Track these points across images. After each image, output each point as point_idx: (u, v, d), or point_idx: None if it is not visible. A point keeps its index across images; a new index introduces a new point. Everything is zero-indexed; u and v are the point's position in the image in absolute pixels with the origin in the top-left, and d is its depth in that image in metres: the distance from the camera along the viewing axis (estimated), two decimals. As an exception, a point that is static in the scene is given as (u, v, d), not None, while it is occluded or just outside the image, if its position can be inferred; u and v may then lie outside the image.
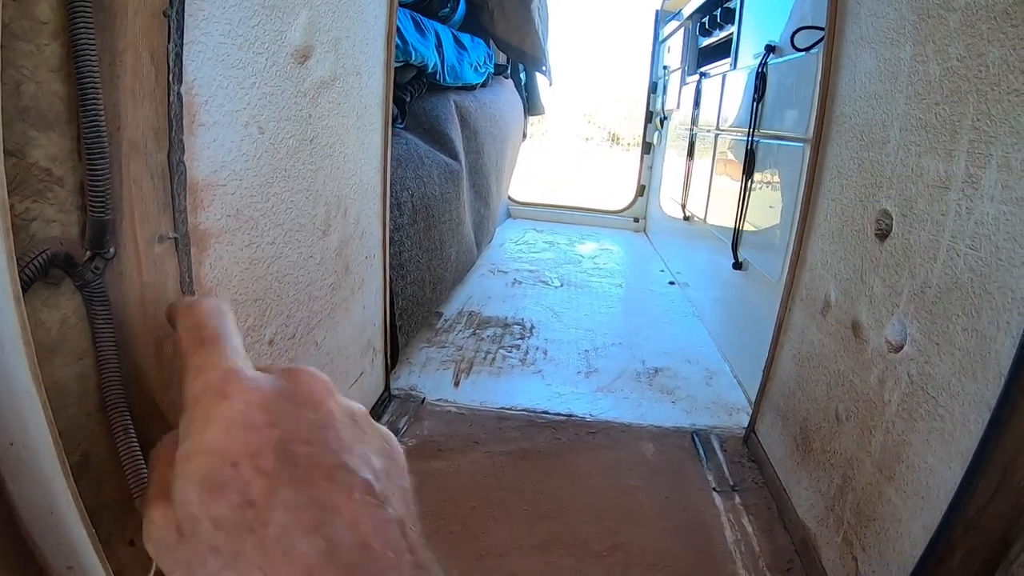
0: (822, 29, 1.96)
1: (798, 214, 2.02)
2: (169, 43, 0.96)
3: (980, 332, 1.14)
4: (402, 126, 3.16)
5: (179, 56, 0.99)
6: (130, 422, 0.99)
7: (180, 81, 1.00)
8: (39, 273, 0.80)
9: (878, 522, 1.40)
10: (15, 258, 0.75)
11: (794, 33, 2.36)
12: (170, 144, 0.99)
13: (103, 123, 0.87)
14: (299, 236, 1.48)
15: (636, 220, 6.40)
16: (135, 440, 1.00)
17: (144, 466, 1.01)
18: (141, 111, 0.94)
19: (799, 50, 2.33)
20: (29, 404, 0.80)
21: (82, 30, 0.83)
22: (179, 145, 1.01)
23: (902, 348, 1.38)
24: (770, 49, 2.75)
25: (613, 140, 26.23)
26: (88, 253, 0.89)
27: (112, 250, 0.93)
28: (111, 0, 0.88)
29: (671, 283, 4.47)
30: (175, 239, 1.03)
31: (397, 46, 2.63)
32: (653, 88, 6.16)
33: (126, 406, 0.99)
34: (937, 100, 1.33)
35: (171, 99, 0.98)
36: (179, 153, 1.02)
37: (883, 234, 1.50)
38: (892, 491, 1.36)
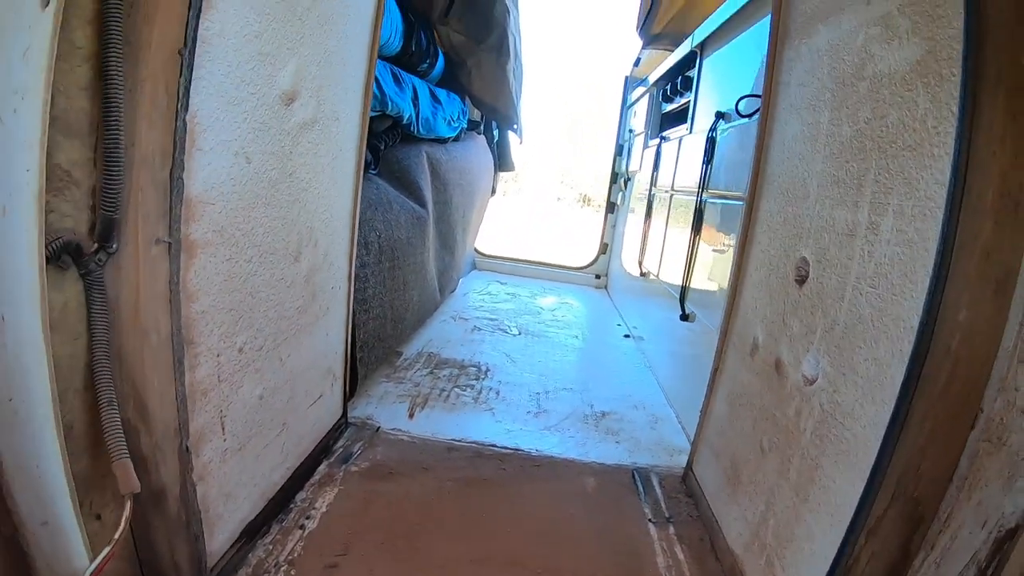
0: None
1: (734, 263, 2.19)
2: (181, 77, 1.13)
3: (879, 360, 1.30)
4: (375, 172, 3.31)
5: (188, 89, 1.17)
6: (115, 397, 1.13)
7: (187, 110, 1.17)
8: (53, 257, 0.95)
9: (796, 542, 1.54)
10: (43, 243, 0.90)
11: (738, 101, 2.57)
12: (173, 163, 1.16)
13: (121, 138, 1.04)
14: (273, 259, 1.62)
15: (598, 277, 6.59)
16: (117, 415, 1.14)
17: (124, 440, 1.15)
18: (152, 133, 1.11)
19: (742, 116, 2.54)
20: (36, 367, 0.93)
21: (113, 59, 1.02)
22: (180, 164, 1.18)
23: (815, 381, 1.54)
24: (720, 116, 2.97)
25: (584, 201, 26.72)
26: (95, 246, 1.05)
27: (115, 246, 1.09)
28: (137, 35, 1.06)
29: (626, 336, 4.64)
30: (169, 244, 1.19)
31: (375, 96, 2.80)
32: (619, 150, 6.40)
33: (112, 384, 1.13)
34: (847, 158, 1.52)
35: (177, 125, 1.15)
36: (180, 171, 1.18)
37: (802, 279, 1.67)
38: (807, 512, 1.50)
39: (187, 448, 1.36)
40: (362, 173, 2.19)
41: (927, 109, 1.24)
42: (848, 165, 1.52)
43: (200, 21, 1.17)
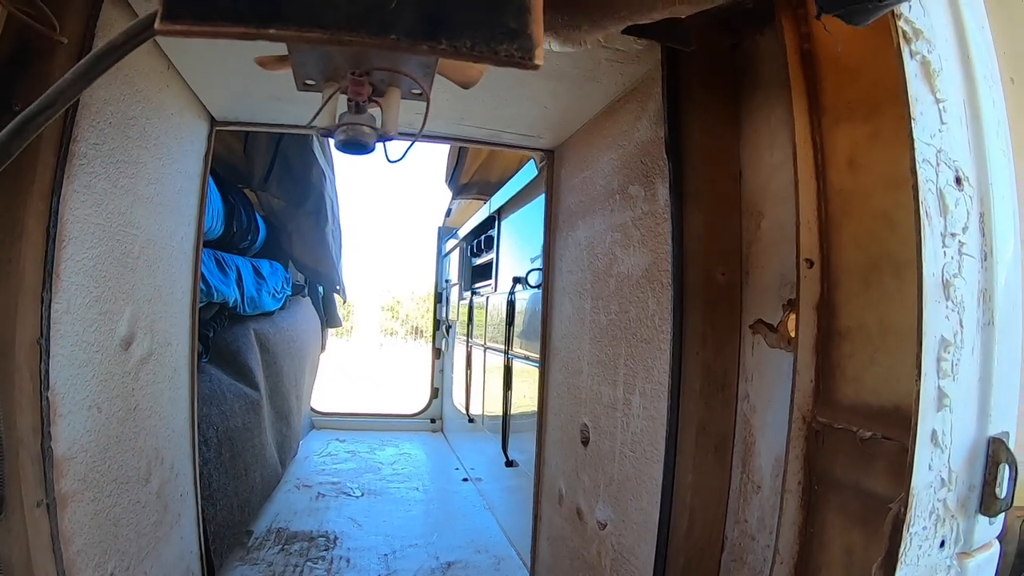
0: (546, 271, 2.54)
1: (536, 423, 2.55)
2: (41, 363, 1.36)
3: (644, 510, 1.68)
4: (206, 360, 3.44)
5: (47, 370, 1.38)
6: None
7: (48, 388, 1.39)
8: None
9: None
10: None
11: (528, 272, 3.00)
12: (43, 435, 1.37)
13: (-1, 425, 1.26)
14: (128, 487, 1.80)
15: (433, 421, 6.81)
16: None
17: None
18: (24, 416, 1.32)
19: (532, 287, 2.96)
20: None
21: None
22: (48, 435, 1.39)
23: (606, 526, 1.90)
24: (516, 281, 3.37)
25: (416, 333, 26.99)
26: (-16, 516, 1.26)
27: (3, 513, 1.28)
28: (3, 333, 1.28)
29: (464, 480, 4.88)
30: (47, 504, 1.38)
31: (201, 289, 2.99)
32: (438, 298, 6.79)
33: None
34: (606, 343, 1.93)
35: (42, 403, 1.37)
36: (48, 441, 1.39)
37: (586, 441, 2.05)
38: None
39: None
40: (196, 378, 2.39)
41: (654, 310, 1.67)
42: (607, 348, 1.93)
43: (51, 308, 1.39)
